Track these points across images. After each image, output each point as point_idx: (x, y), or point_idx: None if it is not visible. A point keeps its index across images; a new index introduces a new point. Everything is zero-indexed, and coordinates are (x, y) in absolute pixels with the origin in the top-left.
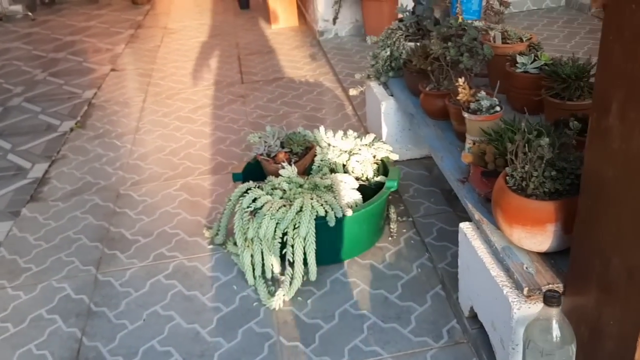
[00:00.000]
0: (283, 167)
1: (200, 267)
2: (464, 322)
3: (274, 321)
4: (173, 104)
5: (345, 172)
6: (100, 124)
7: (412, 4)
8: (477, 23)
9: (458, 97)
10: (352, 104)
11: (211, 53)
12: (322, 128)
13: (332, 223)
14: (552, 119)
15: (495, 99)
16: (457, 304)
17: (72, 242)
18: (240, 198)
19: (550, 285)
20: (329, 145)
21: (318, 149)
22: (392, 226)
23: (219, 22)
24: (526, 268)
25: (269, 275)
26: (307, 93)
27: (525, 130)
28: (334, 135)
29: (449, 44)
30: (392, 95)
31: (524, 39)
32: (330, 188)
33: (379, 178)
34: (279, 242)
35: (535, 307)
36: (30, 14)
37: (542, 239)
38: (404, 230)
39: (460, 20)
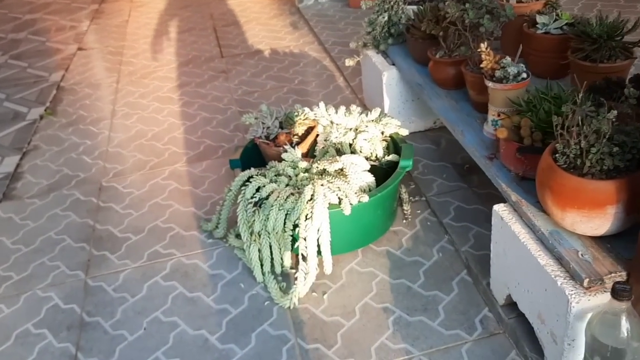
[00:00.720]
0: (285, 151)
1: (201, 265)
2: (498, 311)
3: (289, 321)
4: (150, 84)
5: (353, 152)
6: (73, 109)
7: None
8: None
9: (482, 65)
10: (343, 74)
11: (185, 26)
12: (322, 104)
13: (347, 212)
14: (581, 83)
15: (521, 65)
16: (487, 291)
17: (54, 243)
18: (242, 188)
19: (613, 275)
20: (332, 123)
21: (320, 128)
22: (405, 207)
23: None
24: (582, 255)
25: (278, 270)
26: (293, 65)
27: (579, 100)
28: (336, 112)
29: (467, 5)
30: (393, 65)
31: None
32: (340, 172)
33: (391, 157)
34: (290, 235)
35: (596, 299)
36: None
37: (601, 222)
38: (418, 211)
39: None
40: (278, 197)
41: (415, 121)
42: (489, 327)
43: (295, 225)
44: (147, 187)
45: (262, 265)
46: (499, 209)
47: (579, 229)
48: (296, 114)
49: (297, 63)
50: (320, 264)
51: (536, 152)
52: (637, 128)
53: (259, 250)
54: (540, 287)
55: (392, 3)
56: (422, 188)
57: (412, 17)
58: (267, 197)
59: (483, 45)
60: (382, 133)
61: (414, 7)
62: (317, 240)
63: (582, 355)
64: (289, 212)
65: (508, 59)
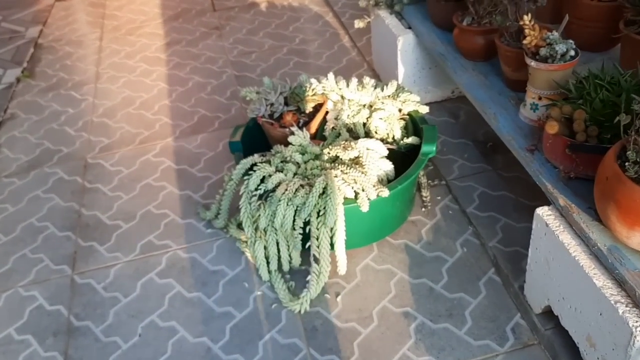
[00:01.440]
0: (292, 133)
1: (199, 259)
2: (533, 319)
3: (300, 328)
4: (136, 42)
5: (367, 132)
6: (52, 71)
7: None
8: None
9: (524, 42)
10: (348, 32)
11: None
12: (331, 76)
13: (365, 208)
14: (633, 60)
15: (570, 41)
16: (520, 296)
17: (36, 232)
18: (245, 177)
19: None
20: (343, 98)
21: (330, 104)
22: (424, 194)
23: None
24: None
25: (286, 268)
26: (292, 21)
27: None
28: (348, 85)
29: None
30: (409, 28)
31: None
32: (355, 160)
33: (411, 139)
34: (300, 233)
35: None
36: None
37: None
38: (438, 198)
39: None
40: (286, 190)
41: (432, 91)
42: (522, 336)
43: (306, 222)
44: (137, 165)
45: (268, 263)
46: (542, 212)
47: None
48: (303, 89)
49: (297, 18)
50: (333, 260)
51: (592, 150)
52: None
53: (265, 248)
54: (594, 310)
55: None
56: (442, 170)
57: None
58: (273, 190)
59: (527, 18)
60: (400, 111)
61: None
62: (331, 239)
63: None
64: (299, 208)
65: (555, 34)
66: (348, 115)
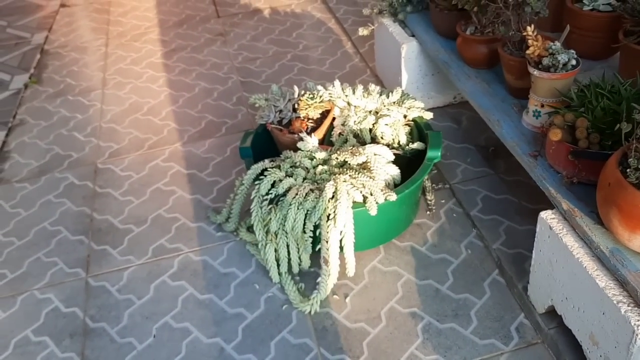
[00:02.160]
0: (301, 139)
1: (211, 262)
2: (536, 319)
3: (310, 328)
4: (142, 48)
5: (373, 137)
6: (60, 77)
7: None
8: None
9: (527, 52)
10: (350, 39)
11: None
12: (337, 83)
13: (373, 212)
14: (632, 70)
15: (572, 51)
16: (524, 296)
17: (50, 236)
18: (256, 182)
19: None
20: (349, 104)
21: (336, 110)
22: (428, 197)
23: None
24: None
25: (296, 270)
26: (295, 27)
27: None
28: (354, 92)
29: None
30: (413, 36)
31: None
32: (363, 165)
33: (416, 145)
34: (310, 237)
35: None
36: None
37: None
38: (442, 201)
39: None
40: (297, 194)
41: (434, 96)
42: (526, 336)
43: (316, 226)
44: (146, 170)
45: (278, 265)
46: (546, 216)
47: None
48: (311, 96)
49: (300, 25)
50: (341, 262)
51: (594, 157)
52: None
53: (275, 250)
54: (596, 309)
55: None
56: (446, 174)
57: None
58: (284, 194)
59: (530, 29)
60: (405, 117)
61: None
62: (340, 242)
63: None
64: (309, 212)
65: (557, 44)
66: (354, 122)
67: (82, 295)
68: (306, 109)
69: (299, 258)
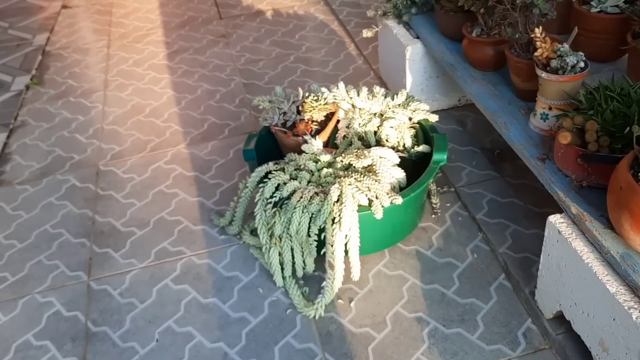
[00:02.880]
0: (306, 141)
1: (214, 266)
2: (544, 324)
3: (314, 333)
4: (144, 49)
5: (378, 140)
6: (61, 78)
7: None
8: None
9: (535, 54)
10: (354, 40)
11: None
12: (341, 85)
13: (379, 215)
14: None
15: (580, 53)
16: (531, 301)
17: (51, 239)
18: (260, 185)
19: None
20: (354, 107)
21: (341, 113)
22: (433, 200)
23: None
24: None
25: (300, 273)
26: (298, 29)
27: None
28: (358, 94)
29: None
30: (417, 38)
31: None
32: (369, 168)
33: (422, 148)
34: (315, 240)
35: None
36: None
37: None
38: (448, 204)
39: None
40: (301, 197)
41: (439, 99)
42: (533, 341)
43: (321, 229)
44: (149, 172)
45: (282, 269)
46: (555, 220)
47: None
48: (316, 98)
49: (302, 27)
50: (346, 266)
51: (603, 160)
52: None
53: (279, 254)
54: (607, 315)
55: None
56: (451, 177)
57: None
58: (288, 197)
59: (538, 31)
60: (410, 119)
61: None
62: (345, 245)
63: None
64: (314, 215)
65: (566, 46)
66: (359, 124)
67: (83, 299)
68: (310, 111)
69: (303, 262)
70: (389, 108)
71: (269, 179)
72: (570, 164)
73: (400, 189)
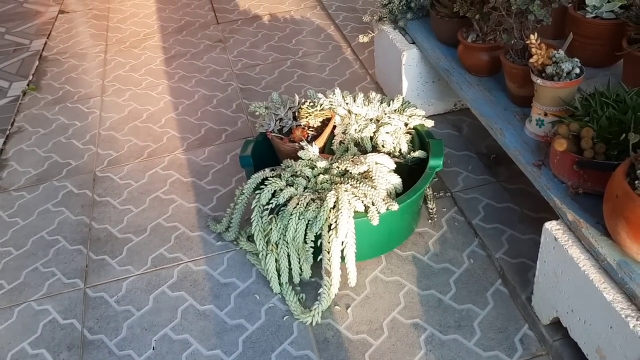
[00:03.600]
0: (302, 148)
1: (210, 272)
2: (541, 330)
3: (311, 340)
4: (141, 54)
5: (374, 146)
6: (58, 83)
7: None
8: None
9: (531, 60)
10: (350, 45)
11: None
12: (337, 91)
13: (375, 222)
14: (635, 78)
15: (576, 59)
16: (527, 307)
17: (48, 245)
18: (256, 191)
19: None
20: (350, 112)
21: (337, 119)
22: (430, 205)
23: None
24: None
25: (297, 280)
26: (295, 34)
27: None
28: (355, 100)
29: None
30: (413, 43)
31: None
32: (365, 175)
33: (418, 153)
34: (312, 247)
35: None
36: None
37: None
38: (444, 209)
39: None
40: (298, 204)
41: (435, 104)
42: (530, 347)
43: (317, 236)
44: (145, 178)
45: (279, 275)
46: (551, 227)
47: None
48: (312, 104)
49: (299, 31)
50: (343, 272)
51: (599, 167)
52: None
53: (276, 260)
54: (604, 323)
55: None
56: (447, 182)
57: None
58: (284, 204)
59: (533, 37)
60: (406, 125)
61: None
62: (342, 252)
63: None
64: (310, 222)
65: (561, 52)
66: (355, 130)
67: (80, 307)
68: (307, 117)
69: (300, 268)
70: (385, 114)
71: (265, 185)
72: (566, 171)
73: (396, 194)
